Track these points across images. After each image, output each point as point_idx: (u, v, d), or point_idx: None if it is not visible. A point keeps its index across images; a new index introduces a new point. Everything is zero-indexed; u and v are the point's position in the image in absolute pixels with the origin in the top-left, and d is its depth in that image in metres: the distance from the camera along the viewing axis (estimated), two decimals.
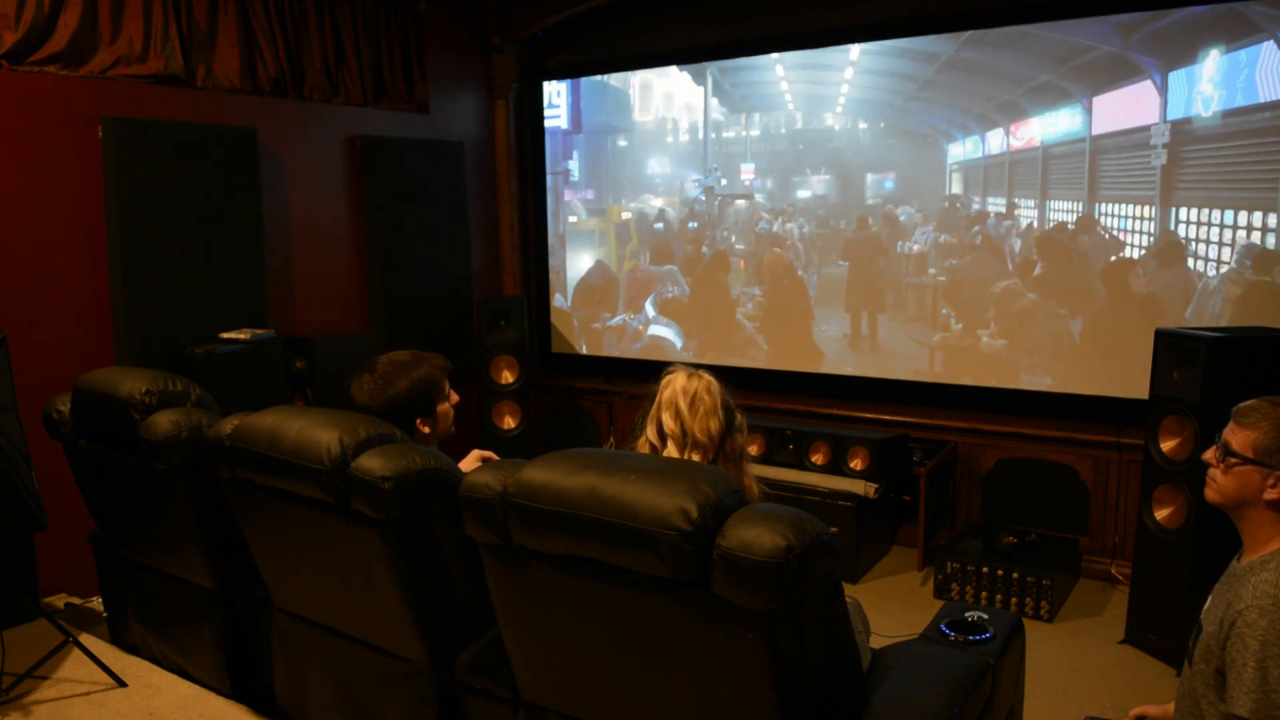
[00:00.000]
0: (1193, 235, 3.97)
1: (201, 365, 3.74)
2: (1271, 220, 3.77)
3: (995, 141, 4.41)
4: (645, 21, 5.38)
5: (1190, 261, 3.99)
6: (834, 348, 4.95)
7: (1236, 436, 1.88)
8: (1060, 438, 4.20)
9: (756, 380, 5.08)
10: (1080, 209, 4.23)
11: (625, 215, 5.62)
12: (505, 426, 5.27)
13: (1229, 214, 3.87)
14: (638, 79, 5.48)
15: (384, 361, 2.51)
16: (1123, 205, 4.13)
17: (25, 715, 2.69)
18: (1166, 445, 3.40)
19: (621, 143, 5.61)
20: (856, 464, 4.26)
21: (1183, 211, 3.99)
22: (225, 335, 4.03)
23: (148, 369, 2.78)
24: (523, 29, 5.51)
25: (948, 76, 4.51)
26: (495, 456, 2.54)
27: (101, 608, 3.37)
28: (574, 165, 5.80)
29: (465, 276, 5.50)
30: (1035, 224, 4.35)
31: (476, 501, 1.84)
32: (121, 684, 2.83)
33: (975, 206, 4.51)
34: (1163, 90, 3.96)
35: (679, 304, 5.44)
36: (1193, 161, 3.93)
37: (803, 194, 5.01)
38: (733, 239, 5.25)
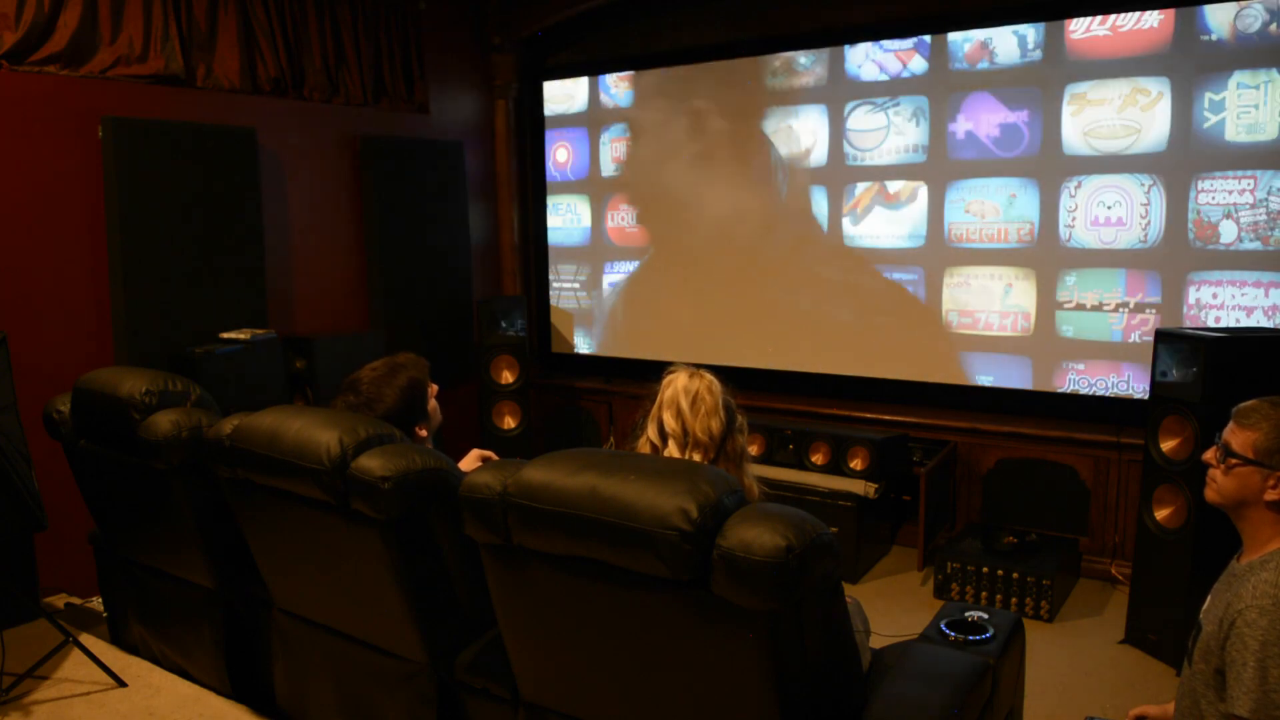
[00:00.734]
0: None
1: (201, 365, 3.74)
2: None
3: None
4: (645, 21, 5.38)
5: None
6: (835, 347, 4.96)
7: (1237, 437, 1.87)
8: (1060, 438, 4.20)
9: (756, 380, 5.07)
10: None
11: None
12: (505, 426, 5.27)
13: None
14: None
15: (366, 382, 2.47)
16: None
17: (25, 715, 2.69)
18: (1166, 445, 3.40)
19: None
20: (856, 464, 4.26)
21: None
22: (225, 335, 4.03)
23: (148, 369, 2.78)
24: (523, 29, 5.51)
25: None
26: (495, 456, 2.54)
27: (101, 608, 3.37)
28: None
29: (465, 276, 5.50)
30: None
31: (476, 501, 1.84)
32: (121, 684, 2.83)
33: None
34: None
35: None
36: None
37: None
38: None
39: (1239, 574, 1.86)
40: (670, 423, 2.15)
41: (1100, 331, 4.23)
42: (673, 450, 2.15)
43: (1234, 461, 1.86)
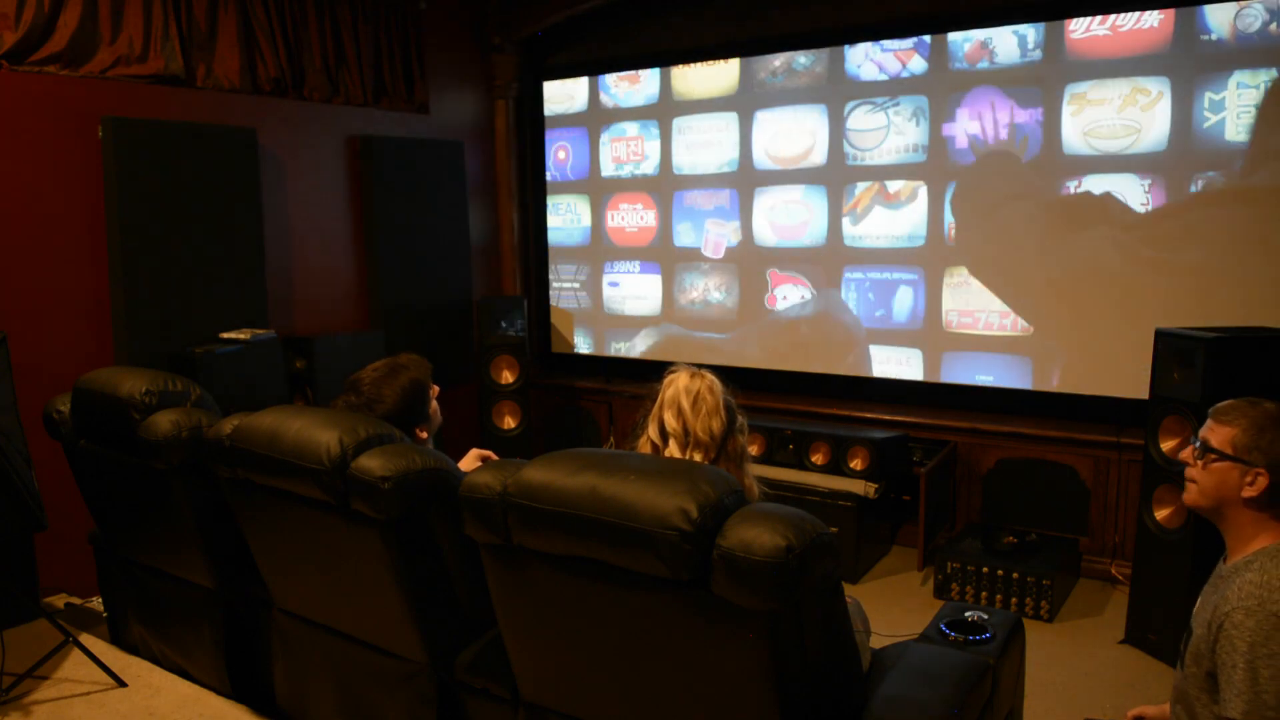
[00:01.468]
0: None
1: (201, 365, 3.74)
2: None
3: None
4: (645, 21, 5.38)
5: None
6: (835, 347, 4.96)
7: (1215, 434, 1.88)
8: (1060, 438, 4.20)
9: (756, 380, 5.08)
10: None
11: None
12: (505, 426, 5.27)
13: None
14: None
15: (367, 383, 2.46)
16: None
17: (25, 715, 2.70)
18: (1166, 445, 3.40)
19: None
20: (856, 464, 4.26)
21: None
22: (225, 335, 4.03)
23: (148, 369, 2.78)
24: (523, 29, 5.51)
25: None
26: (495, 456, 2.54)
27: (101, 608, 3.37)
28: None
29: (465, 276, 5.50)
30: None
31: (476, 501, 1.84)
32: (121, 684, 2.83)
33: None
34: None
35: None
36: None
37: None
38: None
39: (1225, 576, 1.87)
40: (671, 422, 2.15)
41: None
42: (674, 450, 2.15)
43: (1212, 457, 1.87)
